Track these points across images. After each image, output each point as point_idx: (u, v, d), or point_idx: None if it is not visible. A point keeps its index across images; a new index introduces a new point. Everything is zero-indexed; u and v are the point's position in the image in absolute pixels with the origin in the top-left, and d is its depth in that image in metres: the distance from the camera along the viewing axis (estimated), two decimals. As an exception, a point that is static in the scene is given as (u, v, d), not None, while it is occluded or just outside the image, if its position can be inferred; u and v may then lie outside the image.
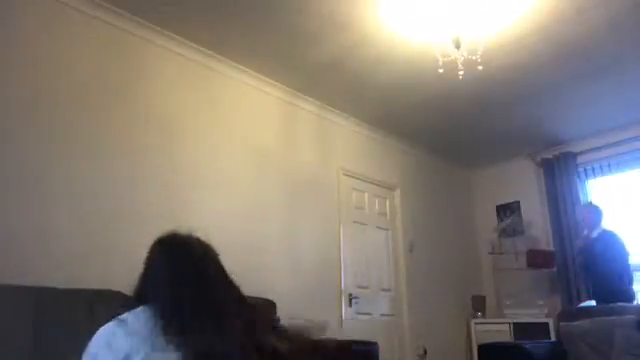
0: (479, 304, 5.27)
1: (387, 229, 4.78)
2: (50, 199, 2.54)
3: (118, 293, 2.35)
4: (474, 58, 3.06)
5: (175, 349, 1.14)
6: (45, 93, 2.65)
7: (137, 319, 1.20)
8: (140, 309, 1.23)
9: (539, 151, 5.34)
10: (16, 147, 2.48)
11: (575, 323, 3.16)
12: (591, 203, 4.61)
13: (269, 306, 2.78)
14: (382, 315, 4.45)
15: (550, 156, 5.26)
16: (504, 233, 5.46)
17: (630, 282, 4.13)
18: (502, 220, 5.58)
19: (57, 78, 2.72)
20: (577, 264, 4.62)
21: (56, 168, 2.60)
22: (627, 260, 4.17)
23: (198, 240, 1.38)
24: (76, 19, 2.85)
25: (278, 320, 2.67)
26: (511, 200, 5.59)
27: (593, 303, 3.99)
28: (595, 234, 4.26)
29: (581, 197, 5.00)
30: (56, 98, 2.69)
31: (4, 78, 2.51)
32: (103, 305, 2.25)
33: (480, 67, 3.16)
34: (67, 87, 2.75)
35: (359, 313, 4.19)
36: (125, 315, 1.22)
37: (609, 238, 4.23)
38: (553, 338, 4.26)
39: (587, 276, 4.44)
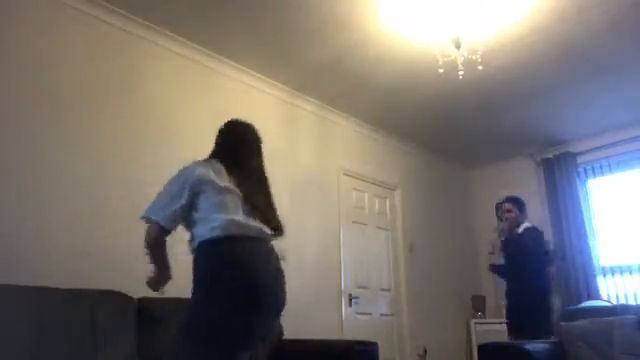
0: (479, 304, 5.27)
1: (387, 229, 4.78)
2: (50, 199, 2.54)
3: (118, 293, 2.36)
4: (474, 58, 3.06)
5: (236, 186, 1.95)
6: (45, 93, 2.65)
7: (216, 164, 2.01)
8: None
9: (539, 151, 5.34)
10: (15, 147, 2.48)
11: (575, 323, 3.15)
12: (514, 197, 4.11)
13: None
14: (382, 315, 4.45)
15: (550, 156, 5.26)
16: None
17: (551, 291, 3.80)
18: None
19: (57, 78, 2.72)
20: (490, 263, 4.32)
21: (55, 168, 2.60)
22: (546, 264, 3.91)
23: (249, 125, 2.34)
24: (76, 19, 2.85)
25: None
26: (511, 200, 5.58)
27: (599, 302, 3.94)
28: (521, 230, 3.92)
29: (581, 197, 5.00)
30: (56, 98, 2.69)
31: (3, 78, 2.51)
32: (103, 305, 2.25)
33: (480, 67, 3.16)
34: (66, 87, 2.75)
35: (359, 313, 4.19)
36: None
37: (537, 236, 3.90)
38: (553, 338, 4.25)
39: (504, 274, 4.11)
